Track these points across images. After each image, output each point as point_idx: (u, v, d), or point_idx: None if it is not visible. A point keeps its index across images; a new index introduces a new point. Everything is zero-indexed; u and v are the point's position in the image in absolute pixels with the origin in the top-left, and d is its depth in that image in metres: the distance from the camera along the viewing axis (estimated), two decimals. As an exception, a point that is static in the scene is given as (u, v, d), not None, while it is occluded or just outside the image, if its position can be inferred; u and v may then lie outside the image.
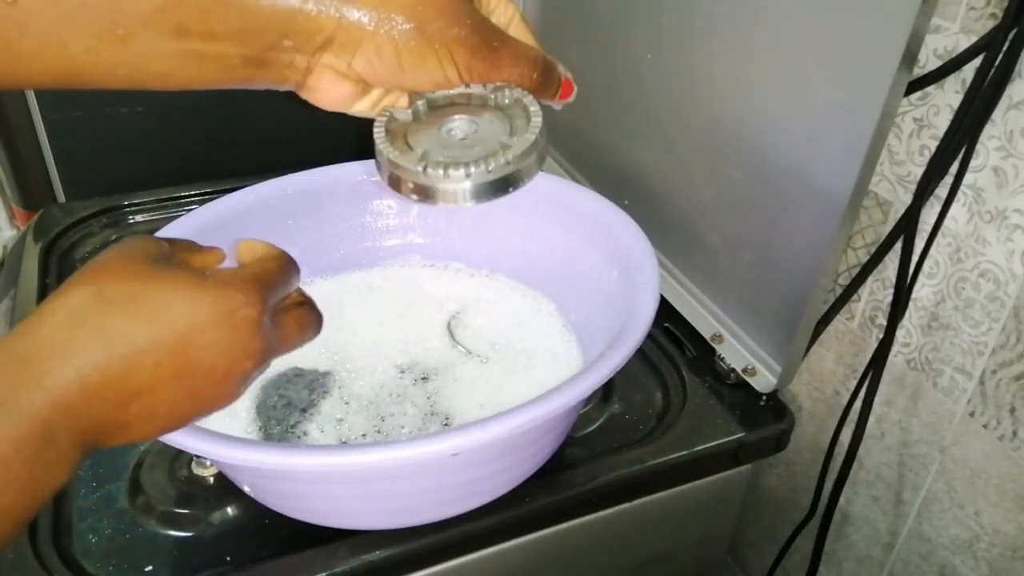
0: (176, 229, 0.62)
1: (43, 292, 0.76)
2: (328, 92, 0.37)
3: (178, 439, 0.43)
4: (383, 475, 0.49)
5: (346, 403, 0.61)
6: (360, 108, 0.41)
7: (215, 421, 0.53)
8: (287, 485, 0.53)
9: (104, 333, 0.31)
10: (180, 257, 0.37)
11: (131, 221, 0.88)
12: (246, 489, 0.54)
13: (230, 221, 0.63)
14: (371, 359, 0.65)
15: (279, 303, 0.38)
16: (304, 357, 0.64)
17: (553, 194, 0.69)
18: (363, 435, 0.58)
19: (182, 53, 0.33)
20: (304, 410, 0.60)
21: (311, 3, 0.33)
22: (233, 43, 0.33)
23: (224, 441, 0.44)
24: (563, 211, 0.68)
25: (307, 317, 0.40)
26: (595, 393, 0.66)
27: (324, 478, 0.50)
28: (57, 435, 0.30)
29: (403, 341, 0.67)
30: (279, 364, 0.63)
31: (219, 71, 0.34)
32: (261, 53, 0.34)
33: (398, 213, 0.73)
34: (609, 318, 0.59)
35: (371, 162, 0.71)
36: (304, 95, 0.38)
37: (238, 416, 0.59)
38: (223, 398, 0.36)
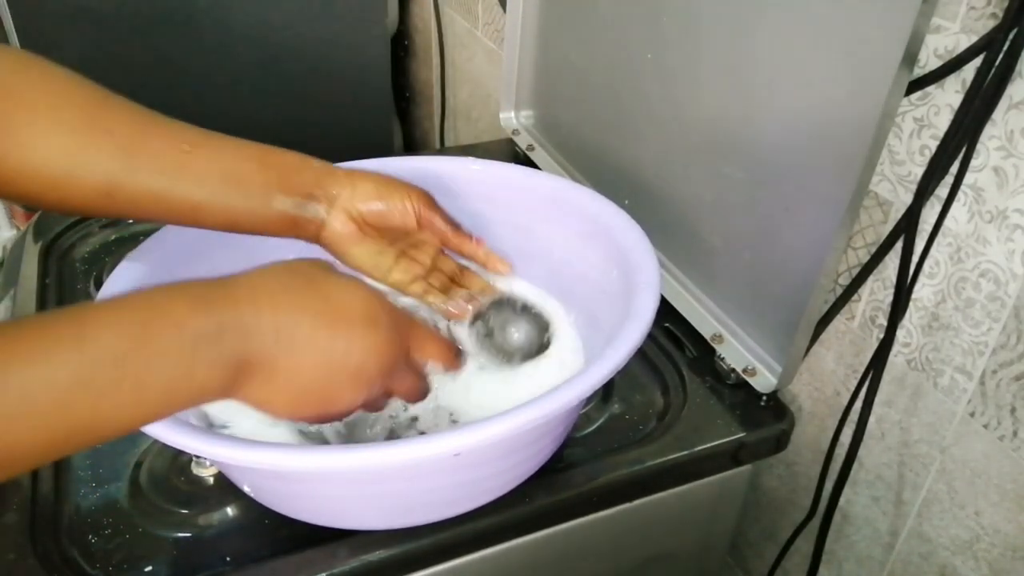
0: (176, 229, 0.62)
1: (43, 292, 0.76)
2: (340, 231, 0.56)
3: (178, 439, 0.44)
4: (383, 475, 0.49)
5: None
6: (365, 255, 0.59)
7: (221, 413, 0.53)
8: (287, 485, 0.53)
9: (287, 288, 0.42)
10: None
11: (130, 221, 0.88)
12: (246, 489, 0.54)
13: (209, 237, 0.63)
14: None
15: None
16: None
17: (554, 194, 0.69)
18: (368, 430, 0.58)
19: (264, 195, 0.53)
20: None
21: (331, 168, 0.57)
22: (294, 193, 0.54)
23: (224, 441, 0.44)
24: (564, 211, 0.68)
25: (417, 390, 0.50)
26: (595, 393, 0.66)
27: (324, 478, 0.50)
28: (226, 323, 0.39)
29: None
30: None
31: (285, 205, 0.54)
32: (309, 199, 0.55)
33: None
34: (609, 318, 0.59)
35: (369, 161, 0.71)
36: (323, 242, 0.57)
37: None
38: (336, 402, 0.44)
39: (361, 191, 0.56)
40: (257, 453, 0.43)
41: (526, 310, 0.66)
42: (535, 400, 0.45)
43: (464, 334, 0.64)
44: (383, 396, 0.48)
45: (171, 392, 0.37)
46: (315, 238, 0.56)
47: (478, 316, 0.64)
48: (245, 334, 0.39)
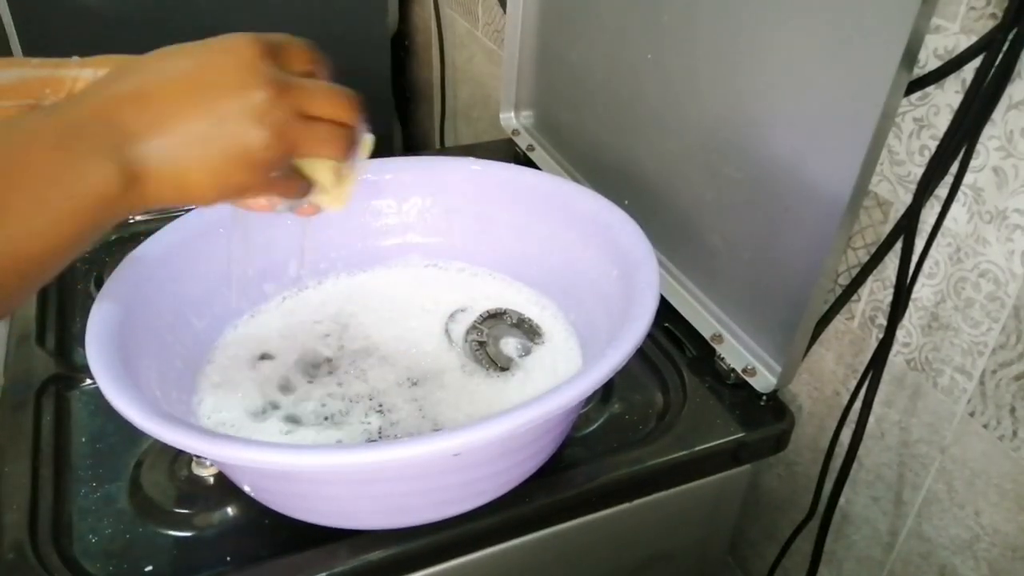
0: (175, 229, 0.62)
1: (43, 292, 0.76)
2: None
3: (178, 439, 0.44)
4: (383, 475, 0.49)
5: (351, 401, 0.61)
6: None
7: (218, 404, 0.53)
8: (287, 485, 0.53)
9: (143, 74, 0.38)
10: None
11: (130, 221, 0.88)
12: (246, 489, 0.54)
13: (229, 220, 0.63)
14: (373, 358, 0.65)
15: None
16: (305, 354, 0.64)
17: (553, 194, 0.69)
18: (364, 429, 0.58)
19: None
20: (301, 403, 0.60)
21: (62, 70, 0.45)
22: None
23: (224, 441, 0.44)
24: (563, 211, 0.68)
25: (335, 136, 0.44)
26: (595, 393, 0.66)
27: (325, 478, 0.50)
28: (87, 129, 0.36)
29: (404, 340, 0.67)
30: (283, 359, 0.63)
31: None
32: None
33: (398, 212, 0.73)
34: (609, 318, 0.59)
35: (369, 161, 0.71)
36: None
37: (236, 407, 0.59)
38: (244, 163, 0.39)
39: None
40: (257, 453, 0.43)
41: (520, 323, 0.66)
42: (534, 400, 0.45)
43: (458, 345, 0.64)
44: (285, 156, 0.41)
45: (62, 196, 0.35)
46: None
47: (472, 328, 0.64)
48: (112, 125, 0.36)
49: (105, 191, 0.36)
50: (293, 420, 0.59)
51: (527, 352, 0.64)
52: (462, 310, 0.69)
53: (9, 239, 0.33)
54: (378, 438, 0.58)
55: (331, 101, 0.43)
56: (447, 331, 0.67)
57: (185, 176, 0.38)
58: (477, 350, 0.62)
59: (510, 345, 0.64)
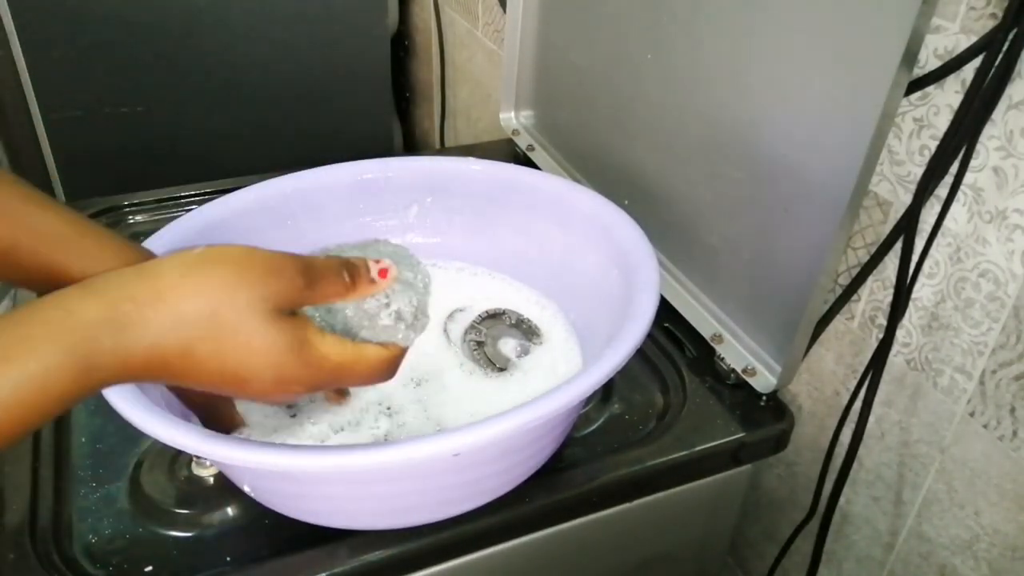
0: (177, 229, 0.61)
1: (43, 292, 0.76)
2: None
3: (178, 439, 0.43)
4: (384, 476, 0.49)
5: (362, 411, 0.60)
6: None
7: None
8: (287, 485, 0.53)
9: (189, 356, 0.37)
10: (315, 294, 0.42)
11: (131, 221, 0.88)
12: (246, 489, 0.54)
13: (229, 221, 0.63)
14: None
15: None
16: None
17: (554, 194, 0.69)
18: (372, 434, 0.58)
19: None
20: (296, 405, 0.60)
21: None
22: None
23: (225, 441, 0.44)
24: (564, 211, 0.68)
25: (379, 370, 0.45)
26: (595, 393, 0.66)
27: (324, 478, 0.50)
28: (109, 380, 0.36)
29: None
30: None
31: None
32: None
33: (398, 213, 0.73)
34: (609, 318, 0.59)
35: (370, 161, 0.71)
36: None
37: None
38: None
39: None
40: (258, 454, 0.43)
41: (519, 324, 0.66)
42: (533, 401, 0.45)
43: (456, 345, 0.64)
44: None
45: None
46: None
47: (471, 328, 0.64)
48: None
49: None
50: (293, 416, 0.59)
51: (526, 352, 0.63)
52: (460, 310, 0.69)
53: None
54: (384, 440, 0.58)
55: (367, 377, 0.45)
56: (445, 330, 0.67)
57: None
58: (475, 350, 0.62)
59: (508, 345, 0.64)
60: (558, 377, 0.63)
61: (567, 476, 0.59)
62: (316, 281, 0.41)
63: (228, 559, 0.53)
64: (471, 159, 0.73)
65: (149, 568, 0.53)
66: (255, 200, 0.66)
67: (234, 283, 0.38)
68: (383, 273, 0.45)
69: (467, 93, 1.35)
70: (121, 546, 0.54)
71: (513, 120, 1.02)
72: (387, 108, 1.42)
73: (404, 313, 0.45)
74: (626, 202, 0.66)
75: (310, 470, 0.46)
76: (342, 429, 0.58)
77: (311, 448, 0.45)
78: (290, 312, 0.40)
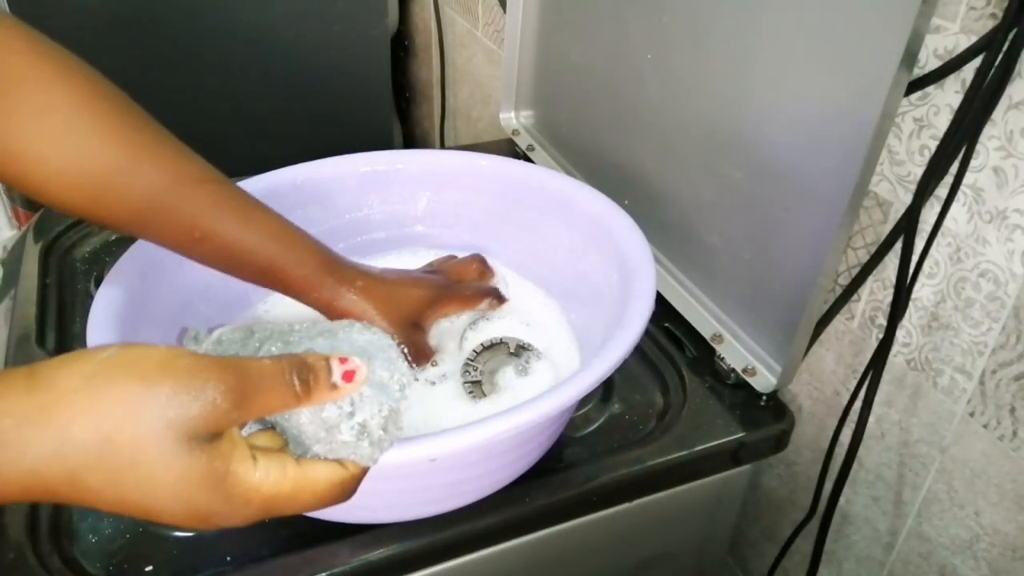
0: None
1: (43, 292, 0.76)
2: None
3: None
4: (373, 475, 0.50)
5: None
6: None
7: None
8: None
9: (77, 486, 0.31)
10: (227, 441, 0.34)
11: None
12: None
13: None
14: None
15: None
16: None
17: (560, 192, 0.69)
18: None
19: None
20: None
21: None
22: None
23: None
24: (568, 210, 0.68)
25: (327, 495, 0.37)
26: (595, 393, 0.66)
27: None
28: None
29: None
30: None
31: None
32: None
33: (406, 204, 0.73)
34: (606, 321, 0.59)
35: (380, 153, 0.71)
36: None
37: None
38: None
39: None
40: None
41: (518, 350, 0.64)
42: (508, 412, 0.46)
43: (454, 378, 0.63)
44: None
45: None
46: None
47: (466, 366, 0.62)
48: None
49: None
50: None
51: (525, 374, 0.62)
52: (475, 322, 0.67)
53: None
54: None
55: (313, 505, 0.37)
56: (462, 342, 0.66)
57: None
58: (471, 391, 0.61)
59: (507, 376, 0.62)
60: (557, 376, 0.63)
61: (567, 476, 0.59)
62: (251, 397, 0.34)
63: (228, 559, 0.53)
64: (480, 154, 0.73)
65: (149, 568, 0.53)
66: (264, 189, 0.66)
67: (136, 403, 0.31)
68: (348, 376, 0.36)
69: (467, 93, 1.35)
70: (121, 546, 0.54)
71: (513, 120, 1.02)
72: (387, 108, 1.42)
73: (370, 426, 0.37)
74: (626, 202, 0.66)
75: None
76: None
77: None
78: (212, 435, 0.33)
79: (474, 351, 0.63)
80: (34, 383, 0.31)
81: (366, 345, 0.39)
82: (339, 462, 0.37)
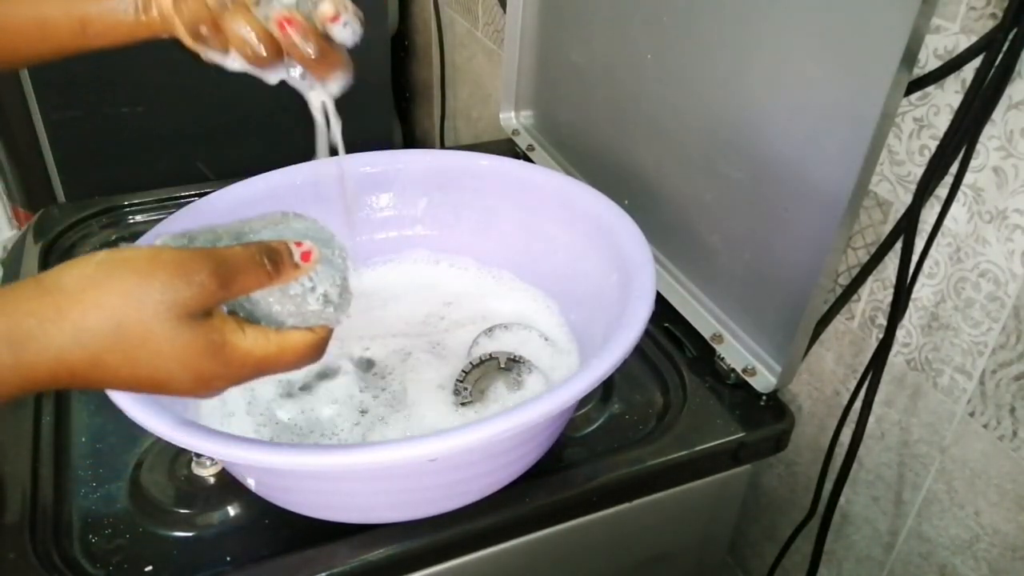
0: (187, 216, 0.62)
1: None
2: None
3: (182, 438, 0.44)
4: (360, 474, 0.50)
5: (360, 390, 0.61)
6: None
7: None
8: (295, 482, 0.53)
9: (99, 367, 0.36)
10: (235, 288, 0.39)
11: (131, 221, 0.88)
12: (249, 483, 0.54)
13: (238, 210, 0.63)
14: (376, 351, 0.65)
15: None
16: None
17: (560, 192, 0.69)
18: (356, 421, 0.58)
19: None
20: (302, 388, 0.60)
21: None
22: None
23: (225, 440, 0.44)
24: (568, 210, 0.68)
25: (306, 355, 0.42)
26: (595, 392, 0.66)
27: (314, 475, 0.50)
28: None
29: (406, 335, 0.67)
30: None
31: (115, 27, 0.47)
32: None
33: (406, 205, 0.73)
34: (605, 322, 0.59)
35: (380, 153, 0.71)
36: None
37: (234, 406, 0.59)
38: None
39: None
40: (258, 453, 0.44)
41: (509, 365, 0.64)
42: (506, 413, 0.46)
43: (448, 396, 0.62)
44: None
45: None
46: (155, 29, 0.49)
47: (462, 378, 0.62)
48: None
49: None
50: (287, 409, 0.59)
51: (519, 387, 0.62)
52: (488, 330, 0.67)
53: None
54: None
55: (294, 364, 0.42)
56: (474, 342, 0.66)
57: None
58: (466, 404, 0.61)
59: (498, 391, 0.62)
60: (557, 377, 0.63)
61: (567, 476, 0.59)
62: (232, 278, 0.39)
63: (228, 559, 0.53)
64: (479, 154, 0.73)
65: (149, 568, 0.53)
66: (264, 189, 0.66)
67: (138, 293, 0.36)
68: (305, 256, 0.42)
69: (467, 93, 1.35)
70: (121, 546, 0.54)
71: (513, 120, 1.02)
72: (387, 108, 1.42)
73: (330, 294, 0.43)
74: (626, 202, 0.66)
75: (298, 469, 0.46)
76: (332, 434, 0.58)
77: (312, 449, 0.45)
78: (204, 313, 0.38)
79: (463, 371, 0.63)
80: (44, 288, 0.36)
81: (305, 231, 0.45)
82: (310, 329, 0.43)
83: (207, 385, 0.39)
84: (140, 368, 0.37)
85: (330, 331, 0.44)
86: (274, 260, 0.41)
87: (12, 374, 0.35)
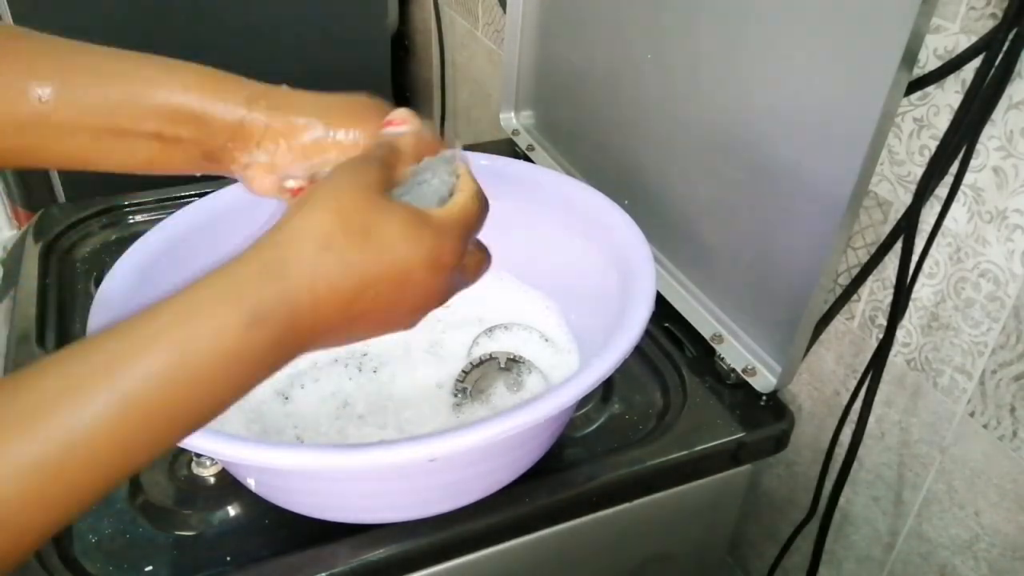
0: (187, 216, 0.62)
1: (43, 292, 0.76)
2: (259, 180, 0.46)
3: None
4: (360, 475, 0.50)
5: (358, 390, 0.61)
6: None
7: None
8: (299, 482, 0.53)
9: (343, 262, 0.35)
10: (398, 174, 0.40)
11: (131, 221, 0.88)
12: (249, 483, 0.54)
13: (238, 211, 0.64)
14: (374, 350, 0.65)
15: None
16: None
17: (559, 192, 0.69)
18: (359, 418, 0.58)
19: (159, 149, 0.44)
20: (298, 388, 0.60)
21: (249, 117, 0.45)
22: (195, 145, 0.44)
23: (225, 439, 0.44)
24: (568, 210, 0.68)
25: (484, 263, 0.44)
26: (595, 393, 0.66)
27: (315, 475, 0.50)
28: (285, 337, 0.34)
29: (405, 335, 0.66)
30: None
31: (185, 162, 0.45)
32: (214, 151, 0.45)
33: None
34: (606, 321, 0.59)
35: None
36: (245, 184, 0.47)
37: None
38: (404, 327, 0.40)
39: (284, 151, 0.46)
40: (258, 452, 0.44)
41: (509, 365, 0.64)
42: (508, 412, 0.46)
43: (446, 396, 0.62)
44: (452, 295, 0.42)
45: (242, 385, 0.34)
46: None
47: (462, 378, 0.62)
48: (300, 322, 0.35)
49: (273, 368, 0.36)
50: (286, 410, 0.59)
51: (520, 387, 0.62)
52: (489, 329, 0.68)
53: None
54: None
55: (480, 219, 0.42)
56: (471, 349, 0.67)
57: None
58: (463, 404, 0.61)
59: (498, 394, 0.62)
60: (556, 377, 0.63)
61: (567, 476, 0.59)
62: (396, 157, 0.40)
63: (228, 559, 0.53)
64: (479, 154, 0.73)
65: (149, 568, 0.53)
66: None
67: (341, 189, 0.37)
68: (395, 122, 0.43)
69: (467, 93, 1.35)
70: (121, 546, 0.54)
71: (513, 120, 1.02)
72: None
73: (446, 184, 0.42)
74: (626, 202, 0.66)
75: (303, 468, 0.46)
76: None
77: (311, 448, 0.45)
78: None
79: (463, 371, 0.63)
80: (283, 228, 0.36)
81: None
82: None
83: (438, 264, 0.38)
84: (383, 255, 0.36)
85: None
86: (393, 147, 0.41)
87: (277, 305, 0.34)
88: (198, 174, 0.46)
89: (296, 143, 0.45)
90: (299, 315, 0.34)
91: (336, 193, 0.37)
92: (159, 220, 0.62)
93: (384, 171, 0.39)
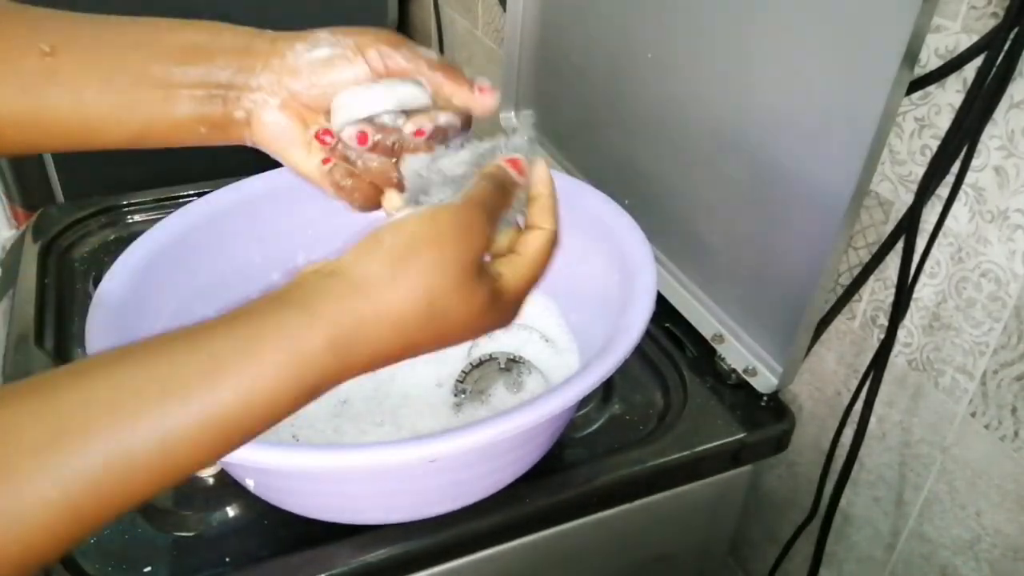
0: (186, 216, 0.62)
1: (42, 292, 0.76)
2: (271, 126, 0.44)
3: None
4: (360, 475, 0.50)
5: (357, 390, 0.60)
6: (310, 163, 0.46)
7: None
8: (296, 483, 0.53)
9: (407, 340, 0.36)
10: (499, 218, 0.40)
11: (129, 221, 0.88)
12: (248, 483, 0.54)
13: (237, 210, 0.64)
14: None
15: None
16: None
17: (560, 192, 0.68)
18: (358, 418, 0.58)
19: (162, 98, 0.41)
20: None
21: (256, 40, 0.45)
22: (201, 87, 0.42)
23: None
24: (569, 210, 0.67)
25: (552, 251, 0.45)
26: (595, 393, 0.66)
27: (315, 476, 0.50)
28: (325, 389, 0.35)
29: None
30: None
31: (188, 116, 0.42)
32: (219, 94, 0.42)
33: (405, 203, 0.73)
34: (606, 321, 0.59)
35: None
36: (255, 131, 0.44)
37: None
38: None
39: (291, 65, 0.45)
40: (257, 453, 0.43)
41: (509, 366, 0.64)
42: (502, 415, 0.45)
43: (446, 396, 0.62)
44: None
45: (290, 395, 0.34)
46: (242, 138, 0.45)
47: (462, 378, 0.62)
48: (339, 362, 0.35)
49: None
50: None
51: (520, 388, 0.62)
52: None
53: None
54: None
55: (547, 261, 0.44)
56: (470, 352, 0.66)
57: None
58: (463, 403, 0.61)
59: (497, 394, 0.62)
60: (556, 377, 0.63)
61: (567, 476, 0.59)
62: (495, 215, 0.39)
63: (228, 559, 0.53)
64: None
65: (149, 568, 0.53)
66: (265, 189, 0.66)
67: (440, 264, 0.35)
68: (516, 165, 0.43)
69: (467, 93, 1.35)
70: (121, 546, 0.54)
71: (513, 120, 1.01)
72: (387, 108, 1.42)
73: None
74: (626, 202, 0.66)
75: (302, 469, 0.46)
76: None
77: (310, 448, 0.45)
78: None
79: (463, 371, 0.63)
80: (356, 284, 0.35)
81: (495, 146, 0.45)
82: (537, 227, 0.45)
83: (477, 334, 0.39)
84: (442, 338, 0.37)
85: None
86: (502, 183, 0.41)
87: (334, 380, 0.35)
88: (199, 145, 0.44)
89: (303, 60, 0.45)
90: (347, 377, 0.35)
91: (433, 268, 0.35)
92: (158, 220, 0.62)
93: (489, 235, 0.39)
